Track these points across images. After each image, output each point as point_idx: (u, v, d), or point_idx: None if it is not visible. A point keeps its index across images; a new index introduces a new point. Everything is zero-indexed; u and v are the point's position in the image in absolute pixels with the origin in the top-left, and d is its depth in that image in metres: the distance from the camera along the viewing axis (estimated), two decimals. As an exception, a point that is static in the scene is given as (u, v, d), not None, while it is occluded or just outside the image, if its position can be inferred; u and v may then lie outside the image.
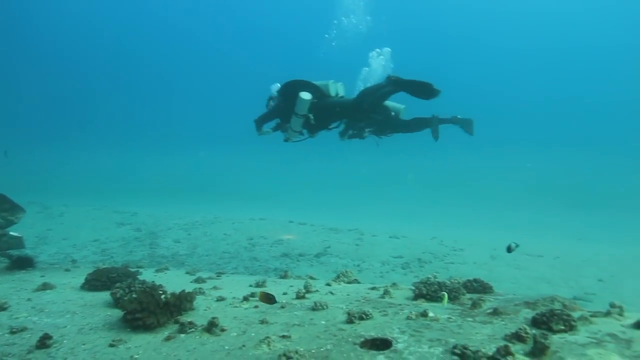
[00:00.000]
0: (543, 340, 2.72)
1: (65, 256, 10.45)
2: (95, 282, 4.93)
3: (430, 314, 3.48)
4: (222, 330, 3.39)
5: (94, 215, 15.99)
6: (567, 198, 23.33)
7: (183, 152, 40.10)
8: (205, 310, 3.94)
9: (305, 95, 8.12)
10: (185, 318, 3.64)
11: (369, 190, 26.46)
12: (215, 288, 4.92)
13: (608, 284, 9.13)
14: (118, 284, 4.39)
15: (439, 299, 3.97)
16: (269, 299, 3.71)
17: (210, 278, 5.78)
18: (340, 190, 26.92)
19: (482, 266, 10.45)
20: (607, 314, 3.42)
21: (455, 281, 4.58)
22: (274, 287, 4.97)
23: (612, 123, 43.15)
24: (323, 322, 3.49)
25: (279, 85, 8.89)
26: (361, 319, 3.47)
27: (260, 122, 8.96)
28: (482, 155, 34.53)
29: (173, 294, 3.80)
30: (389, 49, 9.24)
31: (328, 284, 5.05)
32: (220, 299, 4.28)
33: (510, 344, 2.85)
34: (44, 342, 3.19)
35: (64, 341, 3.29)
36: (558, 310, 3.19)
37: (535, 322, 3.20)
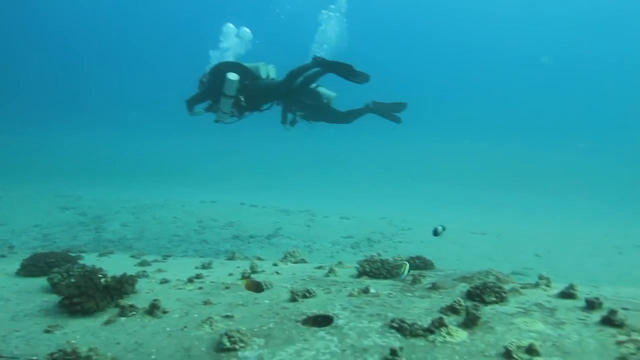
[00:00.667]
0: (474, 312, 2.87)
1: (2, 242, 9.95)
2: (32, 267, 4.72)
3: (372, 291, 3.58)
4: (164, 312, 3.35)
5: (35, 199, 15.27)
6: (513, 179, 24.30)
7: (130, 132, 38.64)
8: (148, 293, 3.88)
9: (232, 76, 8.18)
10: (126, 301, 3.57)
11: (322, 172, 26.58)
12: (159, 271, 4.84)
13: (544, 258, 9.66)
14: (56, 269, 4.23)
15: (380, 276, 4.08)
16: (256, 286, 3.63)
17: (155, 261, 5.68)
18: (293, 172, 26.90)
19: (429, 244, 10.79)
20: (536, 285, 3.63)
21: (399, 259, 4.71)
22: (220, 269, 4.95)
23: (560, 110, 45.00)
24: (267, 302, 3.52)
25: None
26: (304, 297, 3.52)
27: (191, 102, 8.95)
28: (431, 139, 35.32)
29: (114, 277, 3.71)
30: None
31: (275, 264, 5.08)
32: (164, 282, 4.22)
33: (445, 316, 2.98)
34: (-28, 330, 3.06)
35: (-5, 329, 3.16)
36: (491, 283, 3.36)
37: (469, 295, 3.35)
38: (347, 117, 9.02)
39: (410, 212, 14.63)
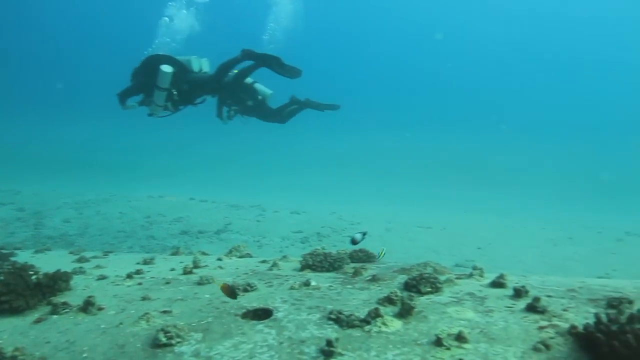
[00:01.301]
0: (409, 302, 2.96)
1: None
2: (-41, 265, 4.47)
3: (313, 283, 3.62)
4: (100, 309, 3.26)
5: (-32, 194, 14.43)
6: (460, 175, 25.10)
7: (75, 124, 36.93)
8: (84, 289, 3.76)
9: (166, 68, 8.17)
10: (59, 299, 3.44)
11: (274, 168, 26.51)
12: (98, 267, 4.70)
13: (485, 251, 10.08)
14: (-16, 267, 4.03)
15: (323, 269, 4.13)
16: (230, 292, 3.46)
17: (95, 257, 5.50)
18: (245, 167, 26.69)
19: (377, 239, 11.00)
20: (470, 276, 3.79)
21: (343, 252, 4.78)
22: (163, 264, 4.86)
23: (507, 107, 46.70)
24: (207, 296, 3.49)
25: None
26: (245, 290, 3.52)
27: (123, 95, 8.82)
28: (382, 135, 35.89)
29: (46, 274, 3.57)
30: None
31: (219, 259, 5.04)
32: (102, 278, 4.10)
33: (381, 307, 3.06)
34: None
35: None
36: (427, 274, 3.47)
37: (406, 286, 3.46)
38: (279, 114, 9.26)
39: (359, 207, 14.86)
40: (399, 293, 3.16)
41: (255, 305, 3.25)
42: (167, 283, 3.88)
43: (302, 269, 4.29)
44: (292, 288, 3.58)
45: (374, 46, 53.64)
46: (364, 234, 4.22)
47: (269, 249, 9.97)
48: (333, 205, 15.01)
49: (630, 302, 2.93)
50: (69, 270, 3.98)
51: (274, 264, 4.42)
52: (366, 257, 4.72)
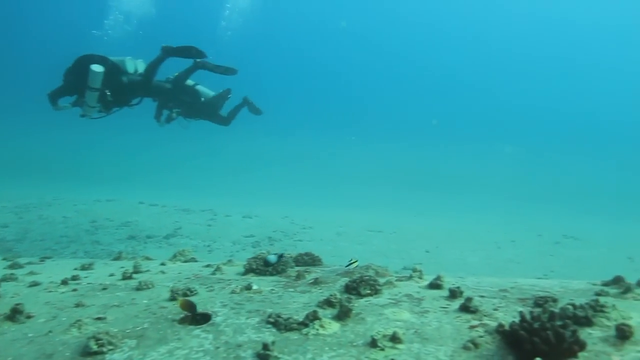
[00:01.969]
0: (347, 304, 3.00)
1: None
2: None
3: (254, 287, 3.60)
4: (29, 317, 3.12)
5: None
6: (410, 179, 25.64)
7: (20, 125, 35.14)
8: (13, 297, 3.59)
9: (97, 68, 8.04)
10: (-16, 307, 3.27)
11: (227, 171, 26.22)
12: (31, 273, 4.49)
13: (433, 254, 10.33)
14: None
15: (266, 273, 4.13)
16: (189, 307, 3.28)
17: (30, 263, 5.26)
18: (198, 171, 26.26)
19: (328, 242, 11.07)
20: (410, 278, 3.88)
21: (289, 255, 4.78)
22: (102, 270, 4.71)
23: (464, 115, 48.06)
24: (145, 301, 3.41)
25: None
26: (185, 295, 3.46)
27: (54, 96, 8.57)
28: (335, 139, 36.19)
29: (-29, 282, 3.39)
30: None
31: (162, 264, 4.93)
32: (34, 284, 3.92)
33: (321, 310, 3.09)
34: None
35: None
36: (367, 276, 3.52)
37: (347, 289, 3.50)
38: (223, 115, 9.49)
39: (312, 211, 14.91)
40: (338, 295, 3.20)
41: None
42: (104, 289, 3.76)
43: (245, 273, 4.26)
44: (233, 292, 3.55)
45: (323, 48, 54.18)
46: (280, 256, 4.17)
47: (220, 253, 9.84)
48: (285, 209, 14.99)
49: (555, 300, 3.08)
50: (-1, 277, 3.79)
51: (218, 269, 4.37)
52: (311, 261, 4.75)
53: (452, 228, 13.76)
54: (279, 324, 2.88)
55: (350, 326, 2.89)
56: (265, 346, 2.58)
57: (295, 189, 21.72)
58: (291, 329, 2.84)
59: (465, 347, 2.57)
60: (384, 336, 2.67)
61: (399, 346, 2.62)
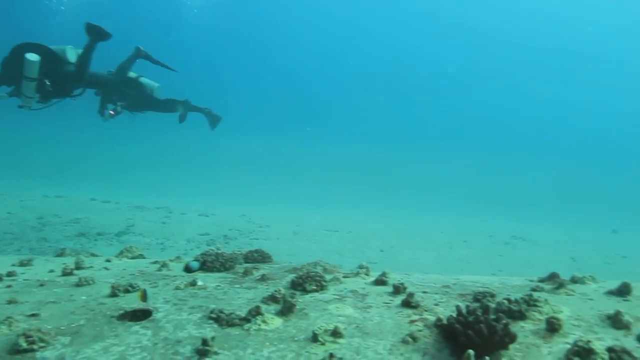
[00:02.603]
0: (290, 300, 3.00)
1: None
2: None
3: (199, 283, 3.55)
4: (-44, 314, 2.96)
5: None
6: (368, 180, 25.93)
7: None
8: (-60, 294, 3.40)
9: (32, 57, 7.75)
10: None
11: (184, 169, 25.76)
12: (-37, 270, 4.26)
13: (387, 253, 10.48)
14: None
15: (214, 269, 4.08)
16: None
17: (-37, 260, 4.99)
18: (153, 167, 25.66)
19: (285, 241, 11.05)
20: (356, 274, 3.92)
21: (239, 252, 4.75)
22: (42, 266, 4.51)
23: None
24: (84, 298, 3.30)
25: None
26: (127, 291, 3.37)
27: None
28: (293, 140, 36.17)
29: None
30: None
31: (107, 260, 4.79)
32: (-36, 282, 3.73)
33: (265, 305, 3.08)
34: None
35: None
36: (313, 272, 3.54)
37: (293, 285, 3.50)
38: (171, 106, 9.42)
39: (269, 211, 14.84)
40: (282, 291, 3.20)
41: (135, 306, 3.12)
42: (41, 285, 3.62)
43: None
44: (177, 288, 3.49)
45: (280, 48, 54.14)
46: (203, 263, 4.11)
47: (173, 251, 9.63)
48: (243, 208, 14.85)
49: (493, 295, 3.19)
50: None
51: (164, 265, 4.28)
52: (261, 258, 4.72)
53: (407, 228, 14.00)
54: (220, 319, 2.85)
55: (293, 321, 2.89)
56: (205, 342, 2.54)
57: (254, 188, 21.53)
58: (233, 325, 2.81)
59: (404, 341, 2.62)
60: (326, 331, 2.68)
61: (340, 341, 2.64)
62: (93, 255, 5.35)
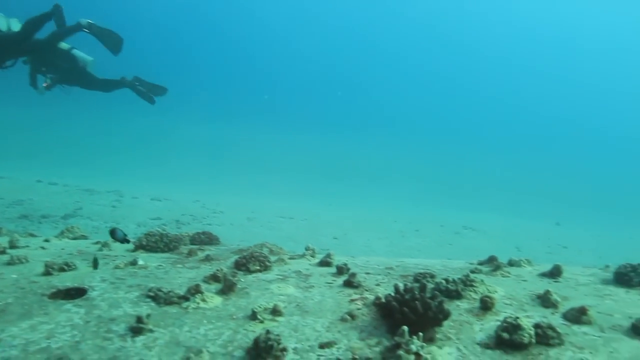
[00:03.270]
0: (231, 278, 2.97)
1: None
2: None
3: (140, 262, 3.47)
4: None
5: None
6: (326, 169, 26.01)
7: None
8: None
9: None
10: None
11: (138, 153, 25.03)
12: None
13: (341, 240, 10.57)
14: None
15: (158, 250, 3.99)
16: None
17: None
18: (107, 152, 24.81)
19: (239, 227, 10.95)
20: (302, 256, 3.93)
21: (186, 234, 4.67)
22: (-26, 245, 4.29)
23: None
24: (14, 276, 3.15)
25: None
26: (62, 270, 3.25)
27: None
28: (253, 127, 35.81)
29: None
30: None
31: (46, 240, 4.59)
32: None
33: (206, 284, 3.04)
34: None
35: None
36: (257, 253, 3.52)
37: (237, 265, 3.47)
38: (104, 85, 8.96)
39: (224, 197, 14.66)
40: (224, 270, 3.16)
41: (69, 284, 3.01)
42: (-32, 264, 3.44)
43: (135, 249, 4.09)
44: (116, 267, 3.39)
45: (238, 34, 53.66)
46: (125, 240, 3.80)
47: (122, 235, 9.38)
48: (197, 194, 14.60)
49: (433, 276, 3.26)
50: None
51: (105, 244, 4.15)
52: (208, 240, 4.66)
53: (361, 217, 14.14)
54: (158, 297, 2.80)
55: (232, 300, 2.87)
56: (139, 319, 2.48)
57: (209, 175, 21.17)
58: (171, 303, 2.76)
59: (343, 319, 2.65)
60: (265, 309, 2.68)
61: (279, 319, 2.64)
62: (31, 235, 5.14)
